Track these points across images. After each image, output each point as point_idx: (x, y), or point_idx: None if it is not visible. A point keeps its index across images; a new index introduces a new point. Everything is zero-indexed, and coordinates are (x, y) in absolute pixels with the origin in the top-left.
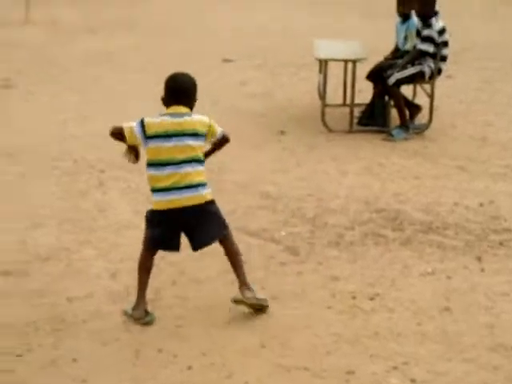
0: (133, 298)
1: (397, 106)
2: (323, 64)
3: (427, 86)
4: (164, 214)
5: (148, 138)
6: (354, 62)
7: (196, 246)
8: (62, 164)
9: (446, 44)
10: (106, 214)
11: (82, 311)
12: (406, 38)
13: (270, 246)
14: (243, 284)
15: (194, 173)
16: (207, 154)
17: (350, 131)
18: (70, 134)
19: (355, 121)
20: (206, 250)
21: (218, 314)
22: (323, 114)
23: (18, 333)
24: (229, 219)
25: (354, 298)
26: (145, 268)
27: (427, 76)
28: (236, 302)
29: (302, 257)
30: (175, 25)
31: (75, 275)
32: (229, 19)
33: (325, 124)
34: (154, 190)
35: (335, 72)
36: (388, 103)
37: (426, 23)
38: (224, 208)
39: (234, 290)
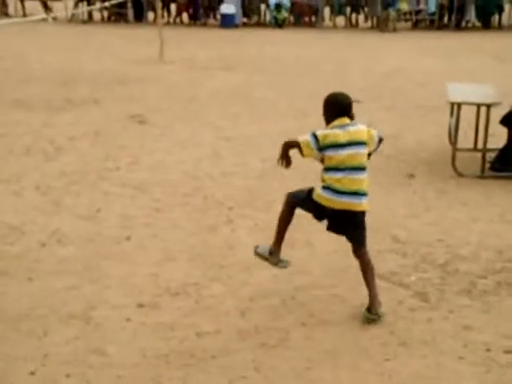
0: (263, 336)
1: None
2: (456, 107)
3: None
4: (320, 207)
5: (322, 148)
6: (489, 106)
7: (331, 228)
8: (193, 200)
9: None
10: (234, 251)
11: (210, 347)
12: None
13: (399, 291)
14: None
15: (362, 180)
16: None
17: (482, 176)
18: (202, 171)
19: (487, 166)
20: (335, 292)
21: (345, 357)
22: (454, 158)
23: (149, 364)
24: (357, 262)
25: (488, 350)
26: (286, 221)
27: None
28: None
29: (432, 303)
30: (306, 66)
31: (204, 311)
32: (357, 62)
33: (455, 168)
34: (325, 187)
35: (465, 116)
36: None
37: None
38: (351, 252)
39: (361, 335)
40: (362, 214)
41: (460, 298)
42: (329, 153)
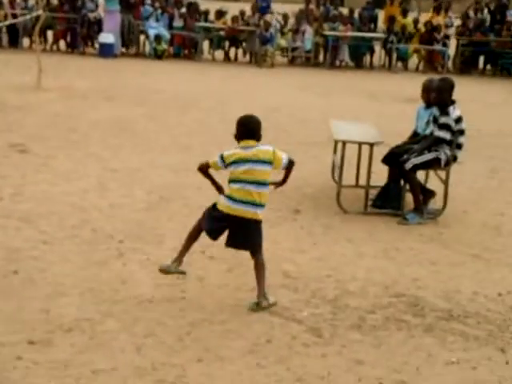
0: (159, 373)
1: (412, 190)
2: (340, 145)
3: (440, 172)
4: (221, 213)
5: (227, 165)
6: (372, 144)
7: (229, 244)
8: (81, 233)
9: (462, 132)
10: (127, 285)
11: None
12: (427, 123)
13: (292, 326)
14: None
15: (257, 193)
16: (283, 181)
17: (365, 213)
18: (89, 203)
19: (369, 203)
20: (229, 327)
21: None
22: (339, 194)
23: None
24: (249, 296)
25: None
26: (193, 238)
27: (443, 163)
28: (253, 310)
29: (325, 339)
30: (186, 99)
31: (99, 347)
32: (238, 96)
33: (340, 205)
34: (226, 196)
35: (346, 153)
36: (403, 187)
37: (444, 111)
38: (244, 285)
39: (258, 372)
40: (256, 222)
41: (351, 333)
42: (231, 168)
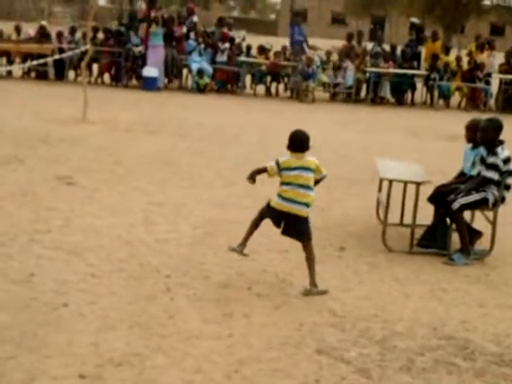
0: None
1: (459, 230)
2: (387, 184)
3: (487, 212)
4: (274, 211)
5: (281, 170)
6: (418, 183)
7: (284, 233)
8: (128, 267)
9: (510, 173)
10: (174, 320)
11: None
12: (473, 164)
13: (340, 366)
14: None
15: (304, 195)
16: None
17: (410, 252)
18: (136, 236)
19: (415, 242)
20: (277, 366)
21: None
22: (384, 233)
23: None
24: (296, 334)
25: None
26: (255, 226)
27: (491, 203)
28: (304, 294)
29: (374, 380)
30: (229, 133)
31: (149, 383)
32: (279, 131)
33: (385, 243)
34: (278, 196)
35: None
36: (450, 227)
37: (492, 151)
38: (290, 323)
39: None
40: (302, 218)
41: (401, 375)
42: (284, 173)
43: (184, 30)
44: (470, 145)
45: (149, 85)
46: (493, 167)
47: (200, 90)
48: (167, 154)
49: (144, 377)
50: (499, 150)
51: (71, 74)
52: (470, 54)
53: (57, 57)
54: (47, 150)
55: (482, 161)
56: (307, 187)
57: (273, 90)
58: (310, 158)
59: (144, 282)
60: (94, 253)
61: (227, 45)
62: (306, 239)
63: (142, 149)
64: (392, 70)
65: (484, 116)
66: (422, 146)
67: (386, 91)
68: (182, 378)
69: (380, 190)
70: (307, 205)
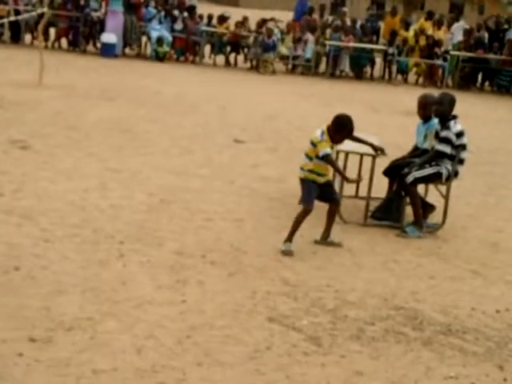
0: (160, 375)
1: (413, 204)
2: (343, 156)
3: (440, 186)
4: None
5: None
6: (375, 156)
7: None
8: (82, 232)
9: (464, 147)
10: (127, 286)
11: None
12: (425, 137)
13: (292, 334)
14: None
15: (303, 161)
16: (341, 176)
17: (365, 224)
18: (90, 202)
19: (369, 214)
20: (229, 333)
21: None
22: (339, 205)
23: None
24: (249, 302)
25: None
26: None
27: (444, 177)
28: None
29: (324, 348)
30: (187, 102)
31: (100, 347)
32: (238, 102)
33: (340, 215)
34: None
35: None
36: (403, 200)
37: (445, 125)
38: (243, 291)
39: (258, 379)
40: (300, 180)
41: (351, 343)
42: None
43: None
44: (422, 120)
45: (107, 51)
46: (445, 141)
47: (159, 58)
48: (124, 121)
49: (95, 341)
50: (452, 124)
51: (27, 37)
52: (422, 30)
53: (12, 18)
54: (1, 113)
55: (437, 135)
56: (306, 156)
57: (232, 60)
58: (315, 133)
59: (97, 247)
60: (47, 217)
61: (185, 13)
62: (302, 201)
63: (99, 115)
64: (352, 44)
65: (439, 92)
66: (380, 120)
67: (345, 65)
68: (133, 343)
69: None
70: (301, 168)
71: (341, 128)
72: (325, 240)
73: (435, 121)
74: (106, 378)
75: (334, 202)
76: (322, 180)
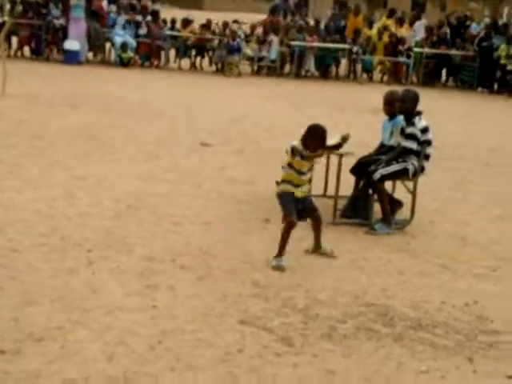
0: (132, 382)
1: (380, 201)
2: None
3: (407, 182)
4: None
5: None
6: (341, 155)
7: None
8: (50, 241)
9: (429, 143)
10: (97, 294)
11: None
12: (391, 134)
13: (263, 335)
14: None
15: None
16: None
17: (333, 223)
18: (57, 211)
19: (338, 213)
20: (200, 336)
21: None
22: None
23: None
24: (220, 305)
25: None
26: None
27: (411, 173)
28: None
29: (296, 348)
30: (153, 107)
31: (71, 357)
32: (205, 105)
33: None
34: None
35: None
36: (371, 197)
37: (410, 122)
38: (213, 295)
39: (230, 382)
40: (278, 195)
41: (322, 342)
42: None
43: (104, 2)
44: (388, 117)
45: (71, 58)
46: (411, 137)
47: (124, 64)
48: (90, 128)
49: (65, 351)
50: (417, 120)
51: None
52: (385, 27)
53: None
54: None
55: (402, 131)
56: (282, 168)
57: (197, 64)
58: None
59: (65, 256)
60: (14, 227)
61: (149, 17)
62: (283, 216)
63: (64, 123)
64: (316, 44)
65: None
66: (346, 119)
67: (310, 65)
68: (104, 350)
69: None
70: (276, 183)
71: (313, 134)
72: (316, 251)
73: (401, 117)
74: None
75: (316, 219)
76: (299, 193)
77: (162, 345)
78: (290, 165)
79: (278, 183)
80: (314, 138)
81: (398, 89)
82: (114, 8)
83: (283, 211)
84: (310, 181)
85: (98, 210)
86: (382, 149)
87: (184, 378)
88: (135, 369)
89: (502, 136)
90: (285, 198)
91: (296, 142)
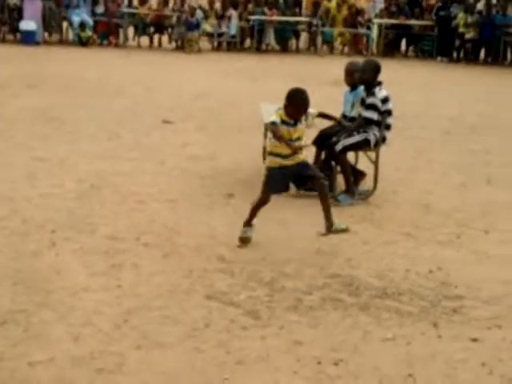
0: (98, 362)
1: (343, 172)
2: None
3: (370, 153)
4: None
5: None
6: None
7: None
8: (11, 224)
9: (389, 113)
10: (61, 275)
11: (45, 376)
12: (353, 106)
13: (230, 310)
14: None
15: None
16: None
17: (296, 195)
18: (18, 192)
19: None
20: (166, 313)
21: (184, 380)
22: None
23: None
24: (185, 282)
25: (318, 363)
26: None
27: (372, 144)
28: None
29: (263, 321)
30: (113, 86)
31: (35, 339)
32: (165, 83)
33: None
34: None
35: None
36: (334, 168)
37: (370, 92)
38: (179, 271)
39: (198, 357)
40: (266, 169)
41: (289, 314)
42: None
43: None
44: (349, 88)
45: (27, 39)
46: (371, 107)
47: (82, 43)
48: (50, 108)
49: (30, 333)
50: (377, 90)
51: None
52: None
53: None
54: None
55: (362, 102)
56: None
57: (156, 41)
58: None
59: (28, 238)
60: None
61: None
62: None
63: (23, 104)
64: (275, 18)
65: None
66: (308, 92)
67: (270, 39)
68: (69, 331)
69: (265, 136)
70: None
71: (291, 100)
72: (330, 231)
73: (362, 88)
74: (42, 369)
75: (317, 180)
76: (290, 162)
77: (127, 323)
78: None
79: (266, 157)
80: (295, 105)
81: (359, 60)
82: None
83: (262, 185)
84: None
85: (60, 191)
86: (344, 120)
87: (151, 356)
88: (101, 348)
89: (461, 105)
90: (268, 173)
91: (275, 117)
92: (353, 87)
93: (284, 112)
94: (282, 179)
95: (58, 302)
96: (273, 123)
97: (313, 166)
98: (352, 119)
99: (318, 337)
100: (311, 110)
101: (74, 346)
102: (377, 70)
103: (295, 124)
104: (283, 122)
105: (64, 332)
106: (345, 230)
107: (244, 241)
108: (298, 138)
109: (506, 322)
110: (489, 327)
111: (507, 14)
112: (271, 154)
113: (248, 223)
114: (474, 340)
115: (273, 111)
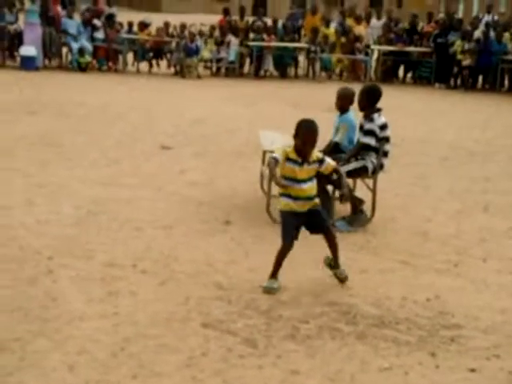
0: None
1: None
2: (269, 155)
3: (368, 180)
4: None
5: None
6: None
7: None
8: (8, 251)
9: (387, 140)
10: (57, 303)
11: None
12: (337, 130)
13: (227, 338)
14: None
15: None
16: None
17: None
18: (15, 219)
19: None
20: (163, 341)
21: None
22: (268, 205)
23: None
24: (182, 309)
25: None
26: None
27: (370, 171)
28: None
29: (260, 350)
30: (112, 112)
31: (30, 368)
32: (164, 108)
33: (270, 215)
34: None
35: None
36: (332, 196)
37: (369, 118)
38: (176, 299)
39: None
40: (280, 213)
41: (286, 343)
42: None
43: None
44: (339, 113)
45: (27, 64)
46: (369, 133)
47: (81, 68)
48: (49, 134)
49: (25, 362)
50: (376, 116)
51: None
52: (341, 24)
53: None
54: None
55: (361, 128)
56: None
57: (155, 67)
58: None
59: (25, 265)
60: None
61: (102, 20)
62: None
63: (22, 130)
64: (274, 44)
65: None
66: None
67: (269, 65)
68: (64, 360)
69: (264, 162)
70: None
71: (298, 131)
72: (331, 268)
73: (351, 114)
74: None
75: (326, 232)
76: (301, 209)
77: (124, 352)
78: (283, 175)
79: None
80: (301, 136)
81: (358, 86)
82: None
83: (281, 232)
84: (314, 190)
85: (58, 217)
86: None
87: None
88: (97, 378)
89: (459, 131)
90: (283, 220)
91: (278, 153)
92: (342, 112)
93: (293, 149)
94: (296, 228)
95: (54, 330)
96: (273, 158)
97: (324, 213)
98: (335, 144)
99: (315, 366)
100: (330, 161)
101: (69, 374)
102: (371, 93)
103: (302, 163)
104: (290, 159)
105: (59, 361)
106: (342, 281)
107: (269, 293)
108: (307, 180)
109: (505, 351)
110: (487, 357)
111: (502, 42)
112: (281, 193)
113: (273, 275)
114: (472, 370)
115: (271, 139)
